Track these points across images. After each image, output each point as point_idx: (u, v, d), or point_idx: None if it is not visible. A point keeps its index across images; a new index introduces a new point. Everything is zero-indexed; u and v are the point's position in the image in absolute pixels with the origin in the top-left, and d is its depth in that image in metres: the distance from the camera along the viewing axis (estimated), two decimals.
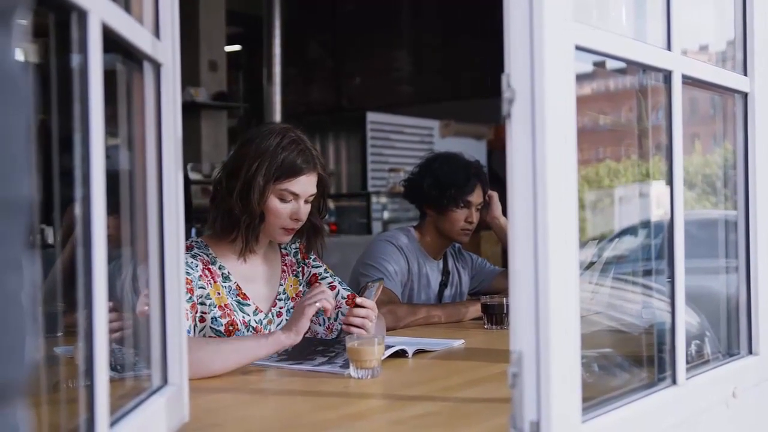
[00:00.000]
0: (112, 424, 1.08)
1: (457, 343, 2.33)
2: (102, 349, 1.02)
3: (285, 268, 2.38)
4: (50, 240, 2.39)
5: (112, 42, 1.11)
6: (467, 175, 2.98)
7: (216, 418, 1.57)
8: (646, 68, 1.55)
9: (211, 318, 2.14)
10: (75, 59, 1.01)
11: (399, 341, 2.17)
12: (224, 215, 2.20)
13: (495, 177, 4.97)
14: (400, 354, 2.10)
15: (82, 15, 0.99)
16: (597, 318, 1.87)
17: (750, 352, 1.80)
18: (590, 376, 1.45)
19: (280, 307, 2.33)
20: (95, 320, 1.01)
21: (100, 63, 1.02)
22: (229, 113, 8.29)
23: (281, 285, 2.35)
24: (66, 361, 1.44)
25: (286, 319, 2.30)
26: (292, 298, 2.36)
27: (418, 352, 2.17)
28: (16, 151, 0.53)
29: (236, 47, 10.11)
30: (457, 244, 3.18)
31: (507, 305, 2.64)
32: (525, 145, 1.17)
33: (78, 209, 1.00)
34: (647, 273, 1.93)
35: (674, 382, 1.51)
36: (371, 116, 8.12)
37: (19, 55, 0.56)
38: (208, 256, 2.21)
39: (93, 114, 1.01)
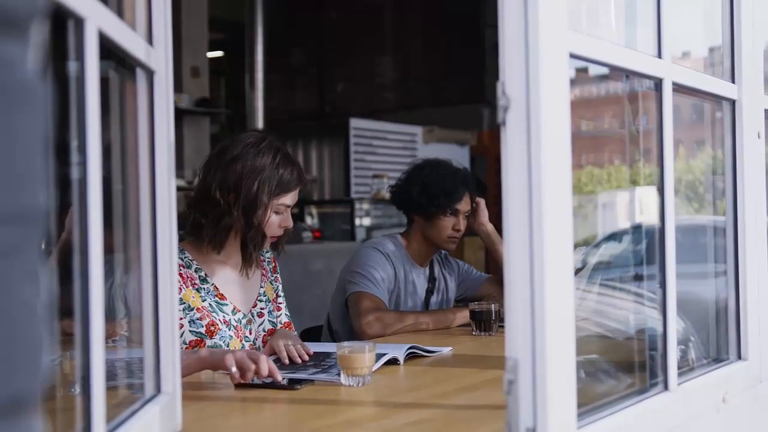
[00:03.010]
0: None
1: (447, 350, 2.34)
2: (99, 358, 1.01)
3: (264, 272, 2.44)
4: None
5: (106, 49, 1.10)
6: (456, 183, 2.98)
7: (208, 427, 1.56)
8: (637, 76, 1.56)
9: (189, 321, 2.16)
10: (71, 66, 1.01)
11: (389, 348, 2.17)
12: (223, 231, 2.23)
13: (477, 183, 4.98)
14: (392, 361, 2.10)
15: (79, 22, 0.99)
16: (585, 324, 1.88)
17: (739, 357, 1.81)
18: (579, 381, 1.46)
19: (261, 308, 2.38)
20: (91, 329, 1.00)
21: (96, 70, 1.02)
22: (212, 119, 8.26)
23: (261, 287, 2.41)
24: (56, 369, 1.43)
25: (268, 320, 2.38)
26: (272, 300, 2.42)
27: (411, 356, 2.17)
28: (34, 161, 0.53)
29: (218, 53, 10.09)
30: (443, 251, 3.18)
31: (495, 312, 2.65)
32: (520, 152, 1.17)
33: (75, 217, 0.99)
34: (634, 279, 1.94)
35: (666, 387, 1.51)
36: (354, 122, 8.11)
37: (35, 64, 0.56)
38: (182, 259, 2.23)
39: (90, 120, 1.00)
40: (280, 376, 1.85)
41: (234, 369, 1.81)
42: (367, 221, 7.46)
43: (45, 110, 0.56)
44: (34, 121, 0.55)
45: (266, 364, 1.82)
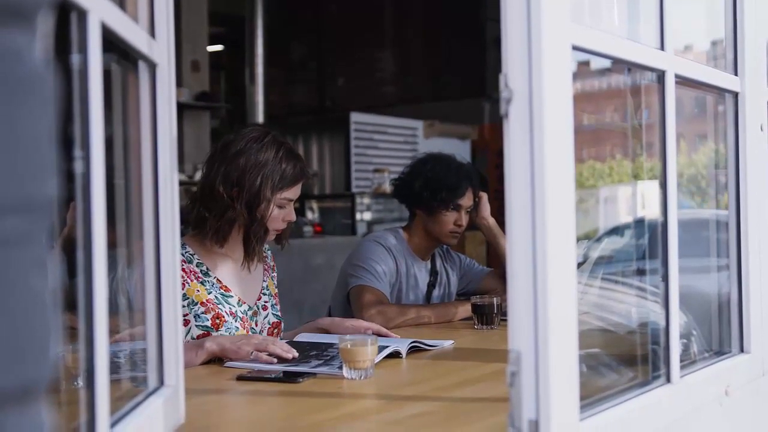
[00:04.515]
0: (112, 425, 1.07)
1: (448, 344, 2.34)
2: (102, 351, 1.01)
3: (266, 267, 2.47)
4: None
5: (108, 41, 1.10)
6: (459, 179, 2.98)
7: (211, 419, 1.56)
8: (640, 68, 1.55)
9: (194, 316, 2.18)
10: (74, 58, 1.01)
11: (391, 341, 2.17)
12: (226, 224, 2.25)
13: (480, 177, 4.98)
14: (393, 354, 2.10)
15: (82, 14, 0.99)
16: (587, 318, 1.87)
17: (741, 350, 1.81)
18: (582, 375, 1.46)
19: (265, 302, 2.41)
20: (95, 323, 1.00)
21: (99, 63, 1.01)
22: (212, 114, 8.26)
23: (264, 281, 2.43)
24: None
25: (272, 314, 2.41)
26: (274, 295, 2.45)
27: (413, 350, 2.18)
28: (42, 151, 0.53)
29: (218, 47, 10.09)
30: (445, 245, 3.18)
31: (497, 305, 2.65)
32: (523, 145, 1.17)
33: (78, 210, 0.99)
34: (636, 273, 1.94)
35: (668, 380, 1.51)
36: (355, 117, 8.11)
37: (43, 54, 0.56)
38: (183, 254, 2.24)
39: (93, 114, 1.00)
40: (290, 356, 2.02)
41: (253, 355, 2.01)
42: (368, 216, 7.47)
43: (53, 100, 0.56)
44: (42, 111, 0.55)
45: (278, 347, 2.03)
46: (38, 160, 0.54)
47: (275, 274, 2.53)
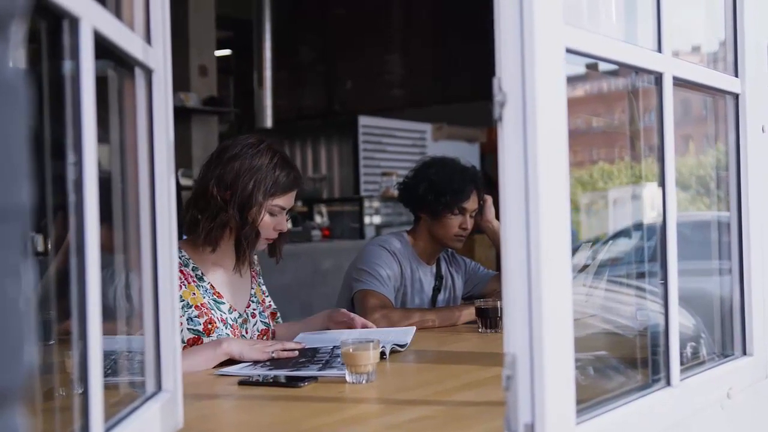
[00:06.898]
0: (107, 430, 1.08)
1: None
2: (96, 356, 1.01)
3: (254, 274, 2.49)
4: (40, 248, 2.40)
5: (103, 48, 1.11)
6: (463, 182, 2.97)
7: (210, 424, 1.56)
8: (637, 70, 1.55)
9: (188, 319, 2.19)
10: (67, 65, 1.01)
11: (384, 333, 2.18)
12: (218, 227, 2.26)
13: (488, 180, 4.98)
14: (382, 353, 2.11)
15: (74, 22, 0.99)
16: (591, 321, 1.87)
17: (744, 353, 1.80)
18: (585, 378, 1.45)
19: (253, 309, 2.43)
20: (89, 328, 1.01)
21: (92, 69, 1.02)
22: (220, 118, 8.26)
23: (252, 288, 2.46)
24: (58, 369, 1.44)
25: (261, 321, 2.43)
26: (261, 302, 2.47)
27: (393, 351, 2.21)
28: (16, 158, 0.54)
29: (226, 51, 10.10)
30: (450, 249, 3.18)
31: (501, 308, 2.64)
32: (517, 148, 1.17)
33: (71, 217, 1.00)
34: (641, 275, 1.93)
35: (668, 383, 1.51)
36: (363, 120, 8.11)
37: (16, 63, 0.56)
38: (180, 258, 2.25)
39: (85, 120, 1.01)
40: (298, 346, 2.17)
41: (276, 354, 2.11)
42: (376, 219, 7.47)
43: (26, 108, 0.57)
44: (16, 119, 0.55)
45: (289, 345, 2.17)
46: (11, 168, 0.54)
47: (261, 279, 2.54)
